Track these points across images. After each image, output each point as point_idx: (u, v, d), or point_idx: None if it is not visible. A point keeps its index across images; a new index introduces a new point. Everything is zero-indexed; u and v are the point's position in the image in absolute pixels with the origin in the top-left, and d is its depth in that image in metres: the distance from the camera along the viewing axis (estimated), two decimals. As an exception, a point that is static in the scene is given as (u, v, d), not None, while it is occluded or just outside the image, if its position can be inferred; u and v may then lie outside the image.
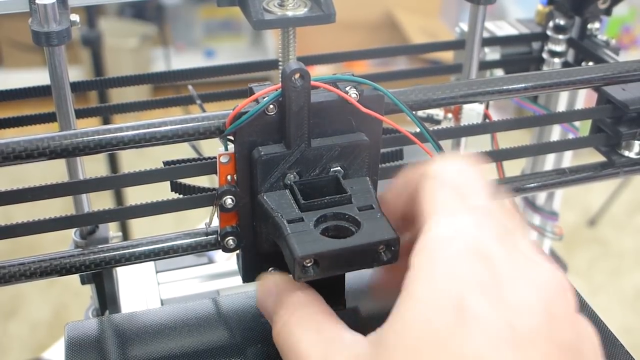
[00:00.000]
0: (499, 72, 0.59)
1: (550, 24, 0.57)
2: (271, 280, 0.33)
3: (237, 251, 0.38)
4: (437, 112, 0.54)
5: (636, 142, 0.46)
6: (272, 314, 0.32)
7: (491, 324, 0.24)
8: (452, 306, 0.25)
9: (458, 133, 0.44)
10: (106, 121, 1.29)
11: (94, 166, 0.59)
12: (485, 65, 0.57)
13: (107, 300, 0.46)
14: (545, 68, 0.58)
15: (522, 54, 0.59)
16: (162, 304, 0.51)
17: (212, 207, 0.36)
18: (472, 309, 0.24)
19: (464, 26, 0.56)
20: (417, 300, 0.25)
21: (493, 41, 0.58)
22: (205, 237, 0.38)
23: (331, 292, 0.36)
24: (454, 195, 0.29)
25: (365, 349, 0.27)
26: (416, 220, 0.29)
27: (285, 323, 0.30)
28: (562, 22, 0.56)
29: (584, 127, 0.55)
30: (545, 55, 0.57)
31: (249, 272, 0.38)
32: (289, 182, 0.34)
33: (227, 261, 0.57)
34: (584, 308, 0.40)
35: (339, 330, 0.29)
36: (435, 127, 0.51)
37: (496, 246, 0.26)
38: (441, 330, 0.24)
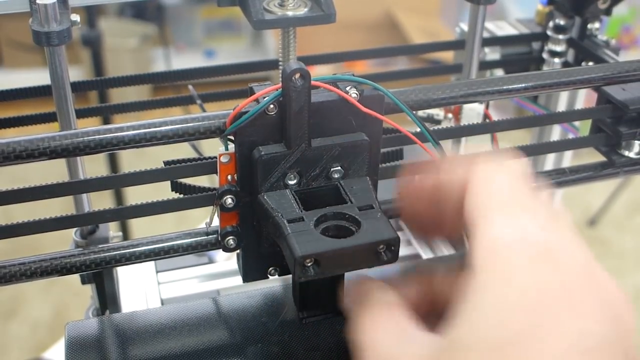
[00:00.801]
0: (499, 72, 0.59)
1: (550, 24, 0.57)
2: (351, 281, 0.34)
3: (238, 251, 0.38)
4: (437, 112, 0.54)
5: (636, 142, 0.46)
6: (349, 311, 0.32)
7: (565, 332, 0.25)
8: (528, 313, 0.25)
9: (458, 133, 0.44)
10: (106, 121, 1.29)
11: (94, 166, 0.59)
12: (485, 65, 0.57)
13: (107, 300, 0.46)
14: (545, 68, 0.58)
15: (522, 54, 0.59)
16: (162, 304, 0.51)
17: (212, 206, 0.36)
18: (547, 317, 0.25)
19: (464, 26, 0.56)
20: (493, 304, 0.26)
21: (493, 41, 0.58)
22: (206, 237, 0.38)
23: (330, 292, 0.36)
24: (510, 195, 0.29)
25: (434, 349, 0.27)
26: (452, 219, 0.30)
27: (357, 319, 0.31)
28: (562, 22, 0.56)
29: (584, 127, 0.55)
30: (545, 55, 0.57)
31: (249, 272, 0.38)
32: (289, 182, 0.34)
33: (227, 261, 0.57)
34: None
35: (409, 327, 0.29)
36: (436, 127, 0.51)
37: (562, 250, 0.27)
38: (518, 335, 0.25)
